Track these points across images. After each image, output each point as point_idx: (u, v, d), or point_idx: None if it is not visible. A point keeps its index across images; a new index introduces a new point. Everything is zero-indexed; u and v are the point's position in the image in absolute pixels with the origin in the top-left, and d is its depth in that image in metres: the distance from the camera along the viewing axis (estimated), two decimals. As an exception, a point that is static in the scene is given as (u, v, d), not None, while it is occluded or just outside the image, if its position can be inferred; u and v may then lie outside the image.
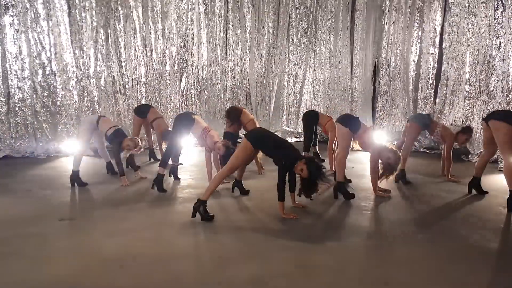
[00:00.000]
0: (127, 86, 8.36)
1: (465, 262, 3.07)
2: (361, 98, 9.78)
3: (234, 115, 6.19)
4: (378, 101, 9.51)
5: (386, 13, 9.34)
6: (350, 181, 5.43)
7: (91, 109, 7.92)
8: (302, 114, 7.53)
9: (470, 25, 7.70)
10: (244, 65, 9.51)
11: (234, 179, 4.94)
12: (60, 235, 3.55)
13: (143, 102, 8.19)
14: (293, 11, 9.67)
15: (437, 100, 8.60)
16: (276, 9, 9.45)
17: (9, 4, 6.97)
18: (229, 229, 3.69)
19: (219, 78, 9.32)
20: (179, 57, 8.79)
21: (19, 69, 7.15)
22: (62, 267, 2.90)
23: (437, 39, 8.70)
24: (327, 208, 4.41)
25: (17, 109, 7.18)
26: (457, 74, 8.04)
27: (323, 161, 6.38)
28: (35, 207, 4.29)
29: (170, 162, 5.41)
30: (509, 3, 6.80)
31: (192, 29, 8.84)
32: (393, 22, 9.22)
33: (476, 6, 7.50)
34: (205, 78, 9.16)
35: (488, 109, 6.98)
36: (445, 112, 8.30)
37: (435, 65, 8.77)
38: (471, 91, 7.70)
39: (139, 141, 5.38)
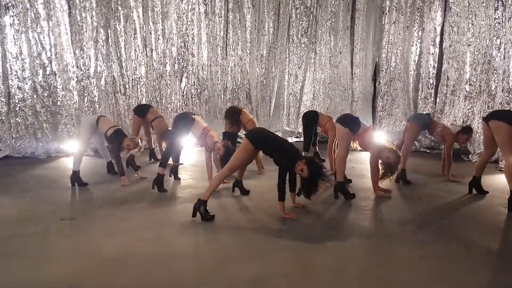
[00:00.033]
0: (127, 86, 8.37)
1: (465, 262, 3.07)
2: (362, 98, 9.79)
3: (233, 115, 6.20)
4: (378, 101, 9.51)
5: (386, 13, 9.34)
6: (350, 181, 5.43)
7: (91, 109, 7.92)
8: (302, 114, 7.53)
9: (470, 25, 7.70)
10: (244, 65, 9.51)
11: (234, 179, 4.94)
12: (60, 235, 3.55)
13: (143, 102, 8.20)
14: (293, 11, 9.67)
15: (437, 100, 8.60)
16: (276, 9, 9.46)
17: (10, 4, 6.98)
18: (229, 229, 3.69)
19: (219, 78, 9.33)
20: (179, 57, 8.80)
21: (19, 69, 7.16)
22: (62, 267, 2.90)
23: (438, 39, 8.71)
24: (327, 208, 4.41)
25: (17, 109, 7.20)
26: (458, 74, 8.04)
27: (323, 161, 6.39)
28: (35, 207, 4.30)
29: (170, 162, 5.42)
30: (509, 3, 6.80)
31: (192, 29, 8.85)
32: (393, 22, 9.23)
33: (476, 6, 7.50)
34: (205, 78, 9.16)
35: (489, 109, 6.98)
36: (445, 112, 8.30)
37: (436, 65, 8.77)
38: (472, 91, 7.70)
39: (139, 141, 5.38)
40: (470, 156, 7.42)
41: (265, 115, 9.62)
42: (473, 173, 5.06)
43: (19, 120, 7.21)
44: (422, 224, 3.96)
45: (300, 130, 9.63)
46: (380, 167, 4.82)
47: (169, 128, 6.20)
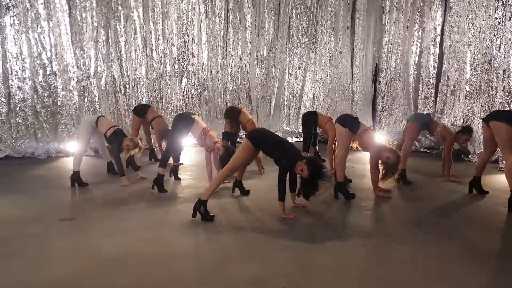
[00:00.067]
0: (127, 86, 8.37)
1: (465, 262, 3.06)
2: (362, 98, 9.79)
3: (233, 115, 6.20)
4: (378, 101, 9.51)
5: (386, 13, 9.34)
6: (350, 181, 5.43)
7: (91, 109, 7.92)
8: (302, 115, 7.52)
9: (470, 25, 7.70)
10: (244, 65, 9.52)
11: (234, 179, 4.94)
12: (60, 235, 3.55)
13: (144, 102, 8.20)
14: (293, 11, 9.67)
15: (437, 100, 8.60)
16: (277, 9, 9.46)
17: (10, 4, 6.98)
18: (229, 229, 3.69)
19: (219, 78, 9.33)
20: (179, 57, 8.80)
21: (19, 69, 7.16)
22: (62, 267, 2.91)
23: (438, 39, 8.71)
24: (327, 208, 4.41)
25: (17, 109, 7.19)
26: (458, 73, 8.04)
27: (324, 161, 6.38)
28: (35, 207, 4.30)
29: (170, 162, 5.42)
30: (509, 3, 6.79)
31: (193, 29, 8.85)
32: (394, 22, 9.23)
33: (477, 6, 7.50)
34: (205, 78, 9.16)
35: (489, 109, 6.98)
36: (445, 112, 8.29)
37: (436, 65, 8.77)
38: (472, 91, 7.70)
39: (139, 141, 5.38)
40: (470, 156, 7.41)
41: (265, 115, 9.62)
42: (473, 173, 5.06)
43: (19, 120, 7.21)
44: (422, 224, 3.97)
45: (300, 130, 9.63)
46: (380, 167, 4.81)
47: (168, 128, 6.21)
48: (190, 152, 7.65)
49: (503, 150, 4.45)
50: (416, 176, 5.89)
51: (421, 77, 8.99)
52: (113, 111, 8.25)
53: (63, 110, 7.55)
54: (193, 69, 9.01)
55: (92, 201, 4.63)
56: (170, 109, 8.72)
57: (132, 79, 8.40)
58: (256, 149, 4.12)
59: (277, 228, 3.76)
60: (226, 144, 4.93)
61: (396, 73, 9.24)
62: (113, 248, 3.24)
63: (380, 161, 4.77)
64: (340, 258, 3.11)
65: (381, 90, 9.45)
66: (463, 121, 7.68)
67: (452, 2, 8.08)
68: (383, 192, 4.91)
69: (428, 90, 8.89)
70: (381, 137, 7.25)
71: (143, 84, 8.54)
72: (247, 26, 9.37)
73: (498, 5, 7.03)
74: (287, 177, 4.02)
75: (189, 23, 8.78)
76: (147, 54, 8.45)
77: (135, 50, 8.36)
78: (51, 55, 7.42)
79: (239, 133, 6.93)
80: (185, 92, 9.03)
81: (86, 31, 7.75)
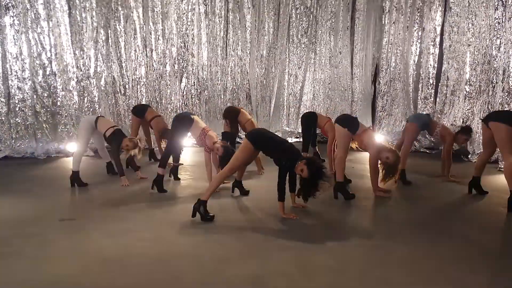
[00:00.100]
0: (127, 86, 8.37)
1: (465, 262, 3.07)
2: (361, 98, 9.79)
3: (232, 115, 6.20)
4: (378, 101, 9.51)
5: (386, 13, 9.35)
6: (350, 181, 5.44)
7: (91, 109, 7.92)
8: (301, 116, 7.52)
9: (470, 25, 7.70)
10: (244, 65, 9.51)
11: (233, 180, 4.94)
12: (60, 235, 3.54)
13: (143, 103, 8.19)
14: (293, 11, 9.67)
15: (437, 100, 8.60)
16: (276, 9, 9.45)
17: (10, 4, 6.98)
18: (229, 229, 3.69)
19: (219, 78, 9.32)
20: (179, 58, 8.79)
21: (19, 69, 7.16)
22: (62, 267, 2.90)
23: (438, 39, 8.71)
24: (327, 208, 4.41)
25: (17, 109, 7.19)
26: (458, 74, 8.04)
27: (323, 161, 6.38)
28: (35, 207, 4.30)
29: (170, 162, 5.42)
30: (509, 3, 6.80)
31: (192, 30, 8.84)
32: (393, 22, 9.23)
33: (476, 6, 7.50)
34: (205, 78, 9.16)
35: (489, 109, 6.98)
36: (445, 112, 8.30)
37: (436, 65, 8.78)
38: (472, 91, 7.70)
39: (138, 142, 5.37)
40: (470, 156, 7.42)
41: (265, 115, 9.62)
42: (473, 173, 5.06)
43: (19, 121, 7.21)
44: (422, 224, 3.97)
45: (300, 130, 9.63)
46: (379, 168, 4.81)
47: (168, 127, 6.20)
48: (190, 152, 7.65)
49: (502, 151, 4.45)
50: (416, 176, 5.89)
51: (420, 77, 9.00)
52: (112, 111, 8.24)
53: (63, 110, 7.55)
54: (193, 69, 9.00)
55: (91, 201, 4.63)
56: (169, 109, 8.71)
57: (132, 79, 8.39)
58: (256, 150, 4.12)
59: (277, 228, 3.76)
60: (226, 144, 4.94)
61: (395, 73, 9.24)
62: (113, 248, 3.24)
63: (379, 161, 4.77)
64: (340, 258, 3.11)
65: (381, 90, 9.45)
66: (463, 121, 7.69)
67: (451, 2, 8.08)
68: (382, 192, 4.91)
69: (427, 90, 8.90)
70: (380, 137, 7.26)
71: (142, 84, 8.54)
72: (247, 26, 9.37)
73: (497, 5, 7.04)
74: (287, 177, 4.02)
75: (189, 23, 8.77)
76: (146, 54, 8.45)
77: (135, 50, 8.35)
78: (51, 55, 7.42)
79: (238, 133, 6.93)
80: (184, 92, 9.03)
81: (85, 31, 7.75)
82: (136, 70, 8.41)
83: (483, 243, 3.47)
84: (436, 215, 4.29)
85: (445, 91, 8.35)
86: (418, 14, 8.98)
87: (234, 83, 9.48)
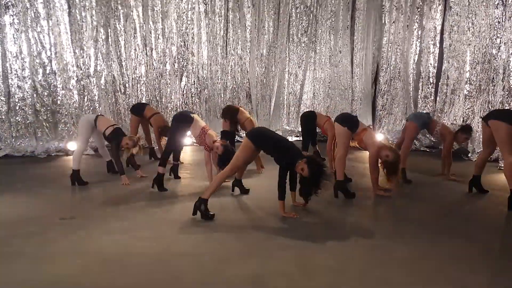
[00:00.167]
0: (127, 85, 8.37)
1: (465, 262, 3.07)
2: (362, 97, 9.79)
3: (231, 114, 6.20)
4: (378, 100, 9.51)
5: (386, 12, 9.34)
6: (350, 180, 5.44)
7: (91, 108, 7.92)
8: (300, 115, 7.51)
9: (470, 24, 7.70)
10: (244, 64, 9.51)
11: (234, 178, 4.94)
12: (61, 234, 3.54)
13: (143, 101, 8.19)
14: (293, 10, 9.66)
15: (437, 99, 8.61)
16: (276, 8, 9.45)
17: (9, 3, 6.97)
18: (229, 228, 3.69)
19: (219, 77, 9.32)
20: (179, 56, 8.79)
21: (19, 68, 7.16)
22: (62, 267, 2.90)
23: (438, 38, 8.70)
24: (327, 207, 4.41)
25: (17, 108, 7.19)
26: (458, 73, 8.04)
27: (324, 159, 6.38)
28: (35, 206, 4.30)
29: (170, 160, 5.42)
30: (509, 2, 6.79)
31: (192, 28, 8.84)
32: (394, 21, 9.23)
33: (477, 5, 7.50)
34: (205, 77, 9.16)
35: (489, 108, 6.98)
36: (445, 111, 8.30)
37: (436, 64, 8.77)
38: (472, 90, 7.70)
39: (138, 140, 5.37)
40: (470, 155, 7.42)
41: (265, 114, 9.62)
42: (473, 172, 5.06)
43: (19, 119, 7.21)
44: (422, 223, 3.97)
45: (300, 129, 9.63)
46: (379, 166, 4.81)
47: (167, 124, 6.19)
48: (190, 151, 7.65)
49: (502, 149, 4.45)
50: (416, 175, 5.89)
51: (421, 76, 9.00)
52: (112, 110, 8.24)
53: (63, 109, 7.54)
54: (192, 68, 9.00)
55: (92, 200, 4.63)
56: (169, 108, 8.71)
57: (132, 78, 8.39)
58: (256, 149, 4.12)
59: (277, 227, 3.76)
60: (225, 143, 4.93)
61: (396, 72, 9.24)
62: (113, 247, 3.24)
63: (379, 160, 4.77)
64: (340, 258, 3.11)
65: (381, 89, 9.45)
66: (463, 120, 7.69)
67: (452, 1, 8.08)
68: (383, 191, 4.90)
69: (428, 89, 8.90)
70: (380, 136, 7.26)
71: (142, 83, 8.53)
72: (247, 25, 9.36)
73: (498, 4, 7.03)
74: (287, 176, 4.02)
75: (188, 22, 8.77)
76: (146, 53, 8.44)
77: (135, 49, 8.35)
78: (51, 54, 7.41)
79: (237, 132, 6.92)
80: (184, 91, 9.02)
81: (85, 30, 7.74)
82: (136, 69, 8.41)
83: (483, 243, 3.46)
84: (436, 214, 4.28)
85: (445, 90, 8.35)
86: (418, 13, 8.97)
87: (234, 82, 9.48)
